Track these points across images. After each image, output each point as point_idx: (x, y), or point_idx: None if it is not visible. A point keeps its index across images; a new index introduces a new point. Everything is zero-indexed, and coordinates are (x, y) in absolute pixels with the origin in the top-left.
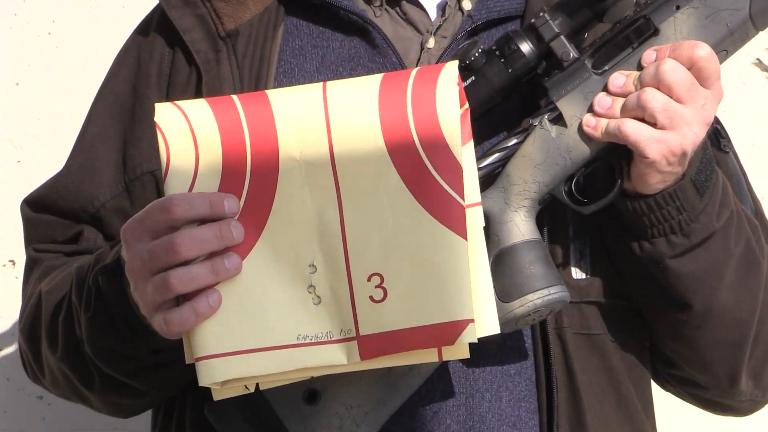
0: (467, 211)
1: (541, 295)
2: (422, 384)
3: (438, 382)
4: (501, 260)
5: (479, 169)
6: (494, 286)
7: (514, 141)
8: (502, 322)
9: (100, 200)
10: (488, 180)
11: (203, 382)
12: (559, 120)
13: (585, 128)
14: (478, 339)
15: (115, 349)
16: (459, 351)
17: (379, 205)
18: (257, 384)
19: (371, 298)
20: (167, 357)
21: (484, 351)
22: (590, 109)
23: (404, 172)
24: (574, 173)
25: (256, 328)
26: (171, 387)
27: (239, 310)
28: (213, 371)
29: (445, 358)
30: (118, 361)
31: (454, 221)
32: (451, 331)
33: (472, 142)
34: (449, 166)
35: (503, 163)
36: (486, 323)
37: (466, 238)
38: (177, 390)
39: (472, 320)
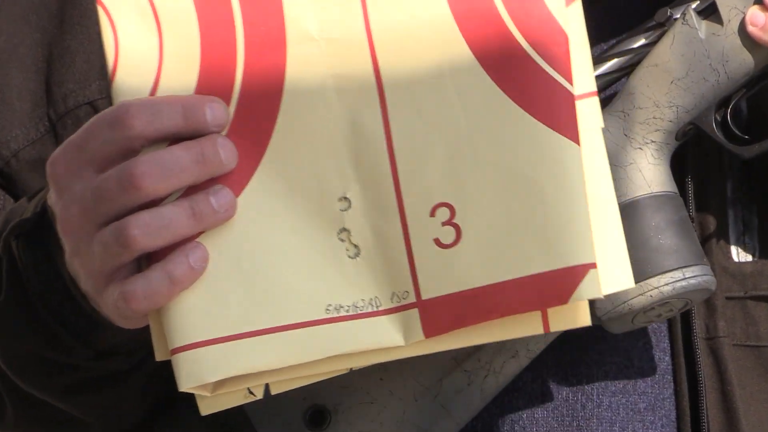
0: (578, 103)
1: (672, 279)
2: (492, 414)
3: (523, 418)
4: None
5: None
6: None
7: (642, 42)
8: (613, 318)
9: (10, 148)
10: (601, 100)
11: (185, 384)
12: (711, 13)
13: (750, 28)
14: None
15: (39, 355)
16: (575, 315)
17: (443, 100)
18: (267, 386)
19: (437, 241)
20: (122, 362)
21: (598, 371)
22: (759, 0)
23: (480, 48)
24: (730, 95)
25: (261, 299)
26: (129, 414)
27: (236, 273)
28: (199, 367)
29: (553, 328)
30: (44, 374)
31: (561, 118)
32: (563, 281)
33: (579, 2)
34: (548, 35)
35: (625, 74)
36: (613, 273)
37: (578, 143)
38: (140, 417)
39: (594, 264)
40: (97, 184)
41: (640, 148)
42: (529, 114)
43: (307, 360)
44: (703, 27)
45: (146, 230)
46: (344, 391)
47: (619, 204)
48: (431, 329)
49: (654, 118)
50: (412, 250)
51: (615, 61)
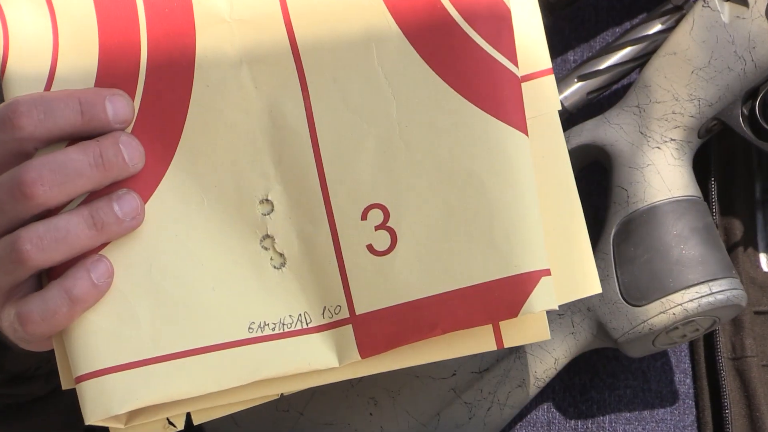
0: (527, 84)
1: (697, 295)
2: None
3: None
4: (630, 231)
5: (598, 72)
6: (617, 274)
7: (657, 27)
8: (631, 339)
9: None
10: (613, 95)
11: (92, 416)
12: None
13: None
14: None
15: None
16: (532, 327)
17: (370, 86)
18: (188, 415)
19: (370, 248)
20: (39, 387)
21: (611, 396)
22: None
23: (408, 24)
24: (758, 86)
25: (176, 318)
26: None
27: (145, 289)
28: (107, 397)
29: (507, 344)
30: None
31: (504, 103)
32: (512, 291)
33: None
34: (485, 6)
35: (639, 64)
36: (574, 278)
37: (526, 131)
38: None
39: (548, 271)
40: None
41: (659, 148)
42: (467, 99)
43: (229, 386)
44: (726, 9)
45: (40, 244)
46: (329, 429)
47: (635, 210)
48: (367, 348)
49: (673, 113)
50: (343, 259)
51: (628, 49)
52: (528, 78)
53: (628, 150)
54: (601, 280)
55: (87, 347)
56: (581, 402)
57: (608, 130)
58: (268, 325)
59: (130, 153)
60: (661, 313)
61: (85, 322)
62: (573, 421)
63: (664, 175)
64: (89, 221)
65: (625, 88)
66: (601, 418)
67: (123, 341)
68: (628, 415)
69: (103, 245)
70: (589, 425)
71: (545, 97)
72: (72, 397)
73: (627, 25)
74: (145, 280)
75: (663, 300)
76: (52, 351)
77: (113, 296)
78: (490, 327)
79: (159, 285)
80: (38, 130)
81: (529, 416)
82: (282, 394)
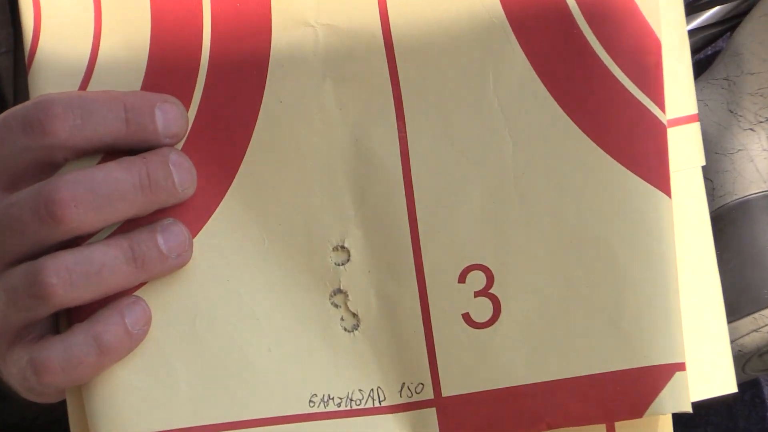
0: (670, 131)
1: None
2: None
3: None
4: (717, 232)
5: None
6: None
7: None
8: None
9: None
10: (695, 65)
11: None
12: None
13: None
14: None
15: None
16: (650, 428)
17: (483, 122)
18: None
19: (467, 317)
20: None
21: None
22: None
23: (538, 53)
24: None
25: (221, 381)
26: None
27: (187, 342)
28: None
29: None
30: None
31: (647, 158)
32: (640, 387)
33: None
34: (633, 40)
35: (728, 28)
36: (708, 374)
37: (669, 194)
38: None
39: (683, 365)
40: (3, 208)
41: (752, 129)
42: (602, 149)
43: None
44: None
45: (68, 278)
46: None
47: (724, 206)
48: None
49: None
50: (432, 327)
51: (714, 10)
52: (671, 125)
53: (714, 132)
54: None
55: (112, 408)
56: None
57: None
58: (333, 399)
59: (181, 175)
60: (753, 331)
61: (113, 377)
62: None
63: (758, 162)
64: (128, 255)
65: (710, 58)
66: None
67: (156, 405)
68: None
69: (140, 285)
70: None
71: (689, 149)
72: None
73: None
74: (187, 333)
75: (756, 315)
76: (54, 404)
77: (148, 349)
78: (603, 425)
79: (203, 340)
80: (73, 138)
81: None
82: None
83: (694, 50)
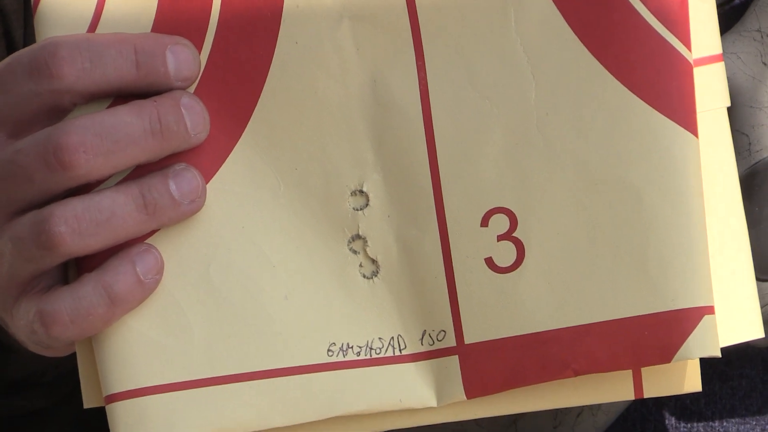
0: (696, 71)
1: None
2: None
3: None
4: (754, 187)
5: None
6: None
7: None
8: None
9: None
10: (726, 16)
11: None
12: None
13: None
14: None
15: None
16: (681, 377)
17: (505, 61)
18: None
19: (489, 262)
20: (41, 398)
21: (720, 389)
22: None
23: None
24: None
25: (236, 331)
26: None
27: (201, 291)
28: (147, 423)
29: (648, 394)
30: None
31: (674, 98)
32: (667, 331)
33: None
34: None
35: None
36: (735, 318)
37: (696, 134)
38: None
39: (712, 308)
40: (9, 155)
41: None
42: (628, 88)
43: (299, 421)
44: None
45: (77, 226)
46: None
47: (762, 161)
48: (476, 387)
49: None
50: (453, 272)
51: None
52: (695, 65)
53: (748, 85)
54: None
55: (124, 360)
56: (685, 395)
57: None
58: (352, 348)
59: (193, 119)
60: None
61: (124, 328)
62: (674, 419)
63: None
64: (139, 202)
65: (741, 8)
66: (710, 413)
67: (170, 356)
68: (743, 411)
69: (152, 233)
70: (695, 424)
71: (714, 90)
72: (82, 412)
73: None
74: (201, 281)
75: None
76: (61, 357)
77: (161, 298)
78: (628, 371)
79: (218, 288)
80: (81, 82)
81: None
82: None
83: (723, 2)
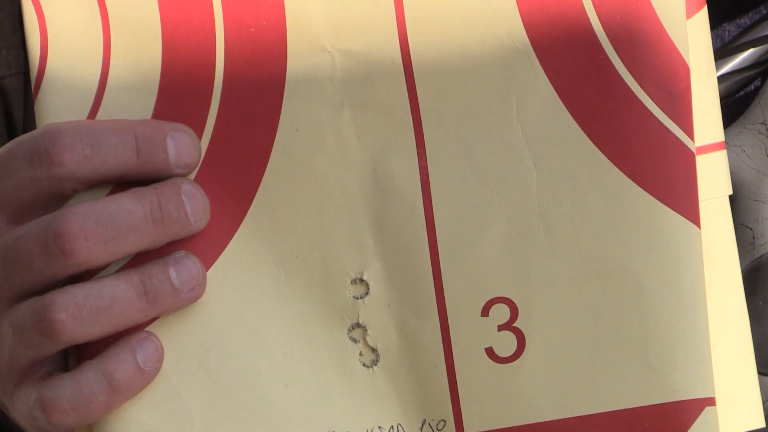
0: (698, 159)
1: None
2: None
3: None
4: (758, 281)
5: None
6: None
7: None
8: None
9: None
10: (730, 109)
11: None
12: None
13: None
14: None
15: None
16: None
17: (507, 151)
18: None
19: (490, 352)
20: None
21: None
22: None
23: (563, 77)
24: None
25: (237, 419)
26: None
27: (201, 379)
28: None
29: None
30: None
31: (676, 188)
32: (668, 423)
33: (705, 10)
34: (661, 66)
35: (764, 69)
36: (736, 409)
37: (698, 224)
38: None
39: (713, 400)
40: (9, 241)
41: None
42: (629, 177)
43: None
44: None
45: (78, 314)
46: None
47: (765, 255)
48: None
49: None
50: (454, 362)
51: (750, 52)
52: (697, 153)
53: (752, 179)
54: None
55: None
56: None
57: (727, 154)
58: None
59: (194, 206)
60: None
61: (124, 415)
62: None
63: None
64: (140, 289)
65: (745, 101)
66: None
67: None
68: None
69: (152, 320)
70: None
71: (716, 178)
72: None
73: (746, 21)
74: (200, 369)
75: None
76: None
77: (160, 386)
78: None
79: (217, 376)
80: (82, 169)
81: None
82: None
83: (727, 95)
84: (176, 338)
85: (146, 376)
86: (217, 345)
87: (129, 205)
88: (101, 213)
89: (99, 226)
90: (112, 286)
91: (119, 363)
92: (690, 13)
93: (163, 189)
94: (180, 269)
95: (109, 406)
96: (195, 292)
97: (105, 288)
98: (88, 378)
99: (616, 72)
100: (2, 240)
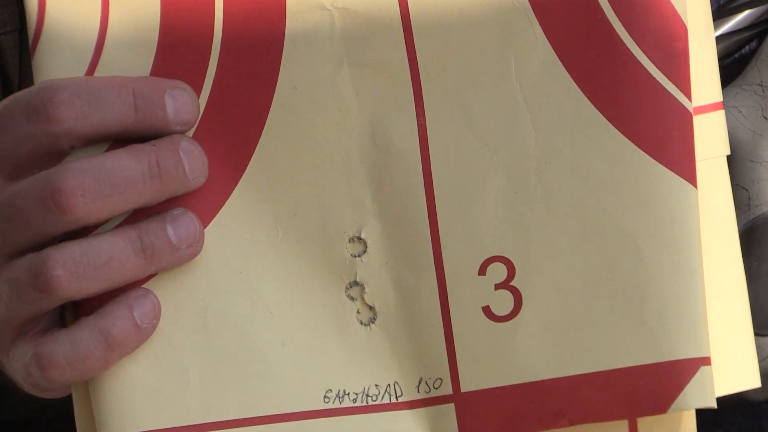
0: (696, 119)
1: None
2: None
3: None
4: (753, 241)
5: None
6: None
7: None
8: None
9: None
10: (727, 70)
11: None
12: None
13: None
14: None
15: None
16: (673, 425)
17: (505, 109)
18: None
19: (487, 310)
20: None
21: None
22: None
23: (561, 37)
24: None
25: (232, 376)
26: None
27: (198, 336)
28: None
29: None
30: None
31: (673, 148)
32: (664, 381)
33: None
34: (660, 26)
35: (761, 30)
36: (731, 368)
37: (695, 184)
38: None
39: (708, 359)
40: (7, 198)
41: None
42: (627, 137)
43: None
44: None
45: (75, 270)
46: None
47: (761, 215)
48: None
49: None
50: (451, 321)
51: (747, 13)
52: (695, 113)
53: (749, 139)
54: None
55: (121, 404)
56: None
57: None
58: (348, 395)
59: (191, 163)
60: None
61: (120, 372)
62: None
63: None
64: (137, 246)
65: (742, 62)
66: None
67: (166, 401)
68: None
69: (149, 277)
70: None
71: (713, 138)
72: None
73: None
74: (197, 326)
75: None
76: (58, 399)
77: (157, 343)
78: (625, 421)
79: (215, 333)
80: (80, 125)
81: None
82: None
83: (724, 55)
84: (173, 295)
85: (143, 333)
86: (214, 302)
87: (127, 161)
88: (99, 169)
89: (96, 182)
90: (110, 243)
91: (116, 319)
92: None
93: (161, 146)
94: (177, 226)
95: (105, 362)
96: (193, 249)
97: (102, 244)
98: (84, 334)
99: (614, 32)
100: (2, 195)
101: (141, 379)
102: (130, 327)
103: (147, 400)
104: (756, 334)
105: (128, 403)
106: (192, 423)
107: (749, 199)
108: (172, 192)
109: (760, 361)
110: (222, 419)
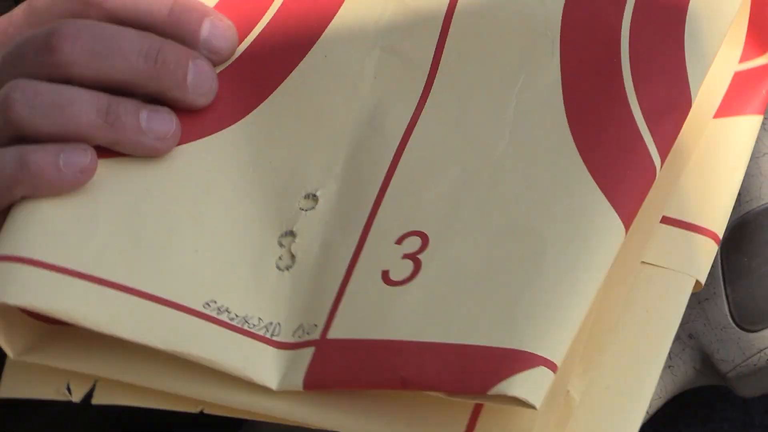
0: (678, 233)
1: None
2: None
3: None
4: (743, 238)
5: None
6: (726, 292)
7: None
8: (745, 374)
9: None
10: None
11: None
12: None
13: None
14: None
15: None
16: (510, 420)
17: (492, 113)
18: (92, 389)
19: (385, 275)
20: None
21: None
22: None
23: (573, 69)
24: None
25: (134, 251)
26: None
27: (124, 211)
28: (7, 283)
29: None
30: None
31: (621, 187)
32: (497, 363)
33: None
34: (666, 88)
35: None
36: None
37: (627, 227)
38: None
39: (555, 366)
40: (19, 41)
41: None
42: (585, 165)
43: (141, 341)
44: None
45: (32, 100)
46: None
47: (751, 212)
48: (314, 381)
49: None
50: (350, 279)
51: None
52: (691, 228)
53: None
54: (706, 299)
55: (21, 228)
56: None
57: None
58: (228, 312)
59: (196, 77)
60: None
61: (33, 204)
62: None
63: None
64: (102, 107)
65: None
66: None
67: (64, 242)
68: None
69: (110, 155)
70: None
71: (691, 259)
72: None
73: None
74: (127, 202)
75: None
76: None
77: (83, 198)
78: (467, 411)
79: (139, 212)
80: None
81: None
82: (202, 411)
83: None
84: (123, 173)
85: (62, 177)
86: (155, 197)
87: (130, 35)
88: (100, 32)
89: (92, 39)
90: (77, 93)
91: (39, 150)
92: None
93: (173, 45)
94: (153, 116)
95: (14, 183)
96: (160, 143)
97: (69, 90)
98: (6, 152)
99: (621, 77)
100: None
101: (50, 216)
102: (49, 162)
103: (47, 231)
104: (747, 330)
105: (29, 230)
106: (79, 270)
107: (739, 195)
108: (164, 88)
109: (749, 357)
110: (108, 278)
